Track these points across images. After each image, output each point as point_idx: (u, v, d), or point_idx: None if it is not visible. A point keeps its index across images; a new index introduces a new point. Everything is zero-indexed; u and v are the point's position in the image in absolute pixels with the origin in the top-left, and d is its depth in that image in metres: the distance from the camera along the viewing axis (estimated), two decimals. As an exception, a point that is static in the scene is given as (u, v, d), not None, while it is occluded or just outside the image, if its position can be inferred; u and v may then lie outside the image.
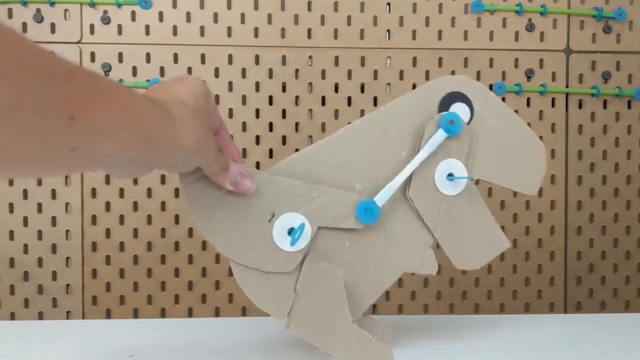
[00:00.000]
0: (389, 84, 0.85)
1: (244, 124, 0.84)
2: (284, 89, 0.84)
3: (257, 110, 0.84)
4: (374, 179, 0.46)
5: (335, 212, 0.45)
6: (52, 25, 0.82)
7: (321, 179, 0.45)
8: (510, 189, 0.48)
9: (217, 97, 0.83)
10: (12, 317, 0.83)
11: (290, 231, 0.44)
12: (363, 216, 0.44)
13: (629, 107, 0.87)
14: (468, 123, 0.46)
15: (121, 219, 0.83)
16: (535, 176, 0.48)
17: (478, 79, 0.85)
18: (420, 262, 0.47)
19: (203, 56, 0.83)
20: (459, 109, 0.46)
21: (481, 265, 0.48)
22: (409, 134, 0.46)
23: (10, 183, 0.82)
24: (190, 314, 0.84)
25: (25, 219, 0.82)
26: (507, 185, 0.47)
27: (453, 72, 0.85)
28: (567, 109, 0.87)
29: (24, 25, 0.81)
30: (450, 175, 0.46)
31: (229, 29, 0.83)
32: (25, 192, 0.82)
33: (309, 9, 0.84)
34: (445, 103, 0.47)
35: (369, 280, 0.46)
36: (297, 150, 0.84)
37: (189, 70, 0.83)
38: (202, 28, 0.83)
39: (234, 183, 0.42)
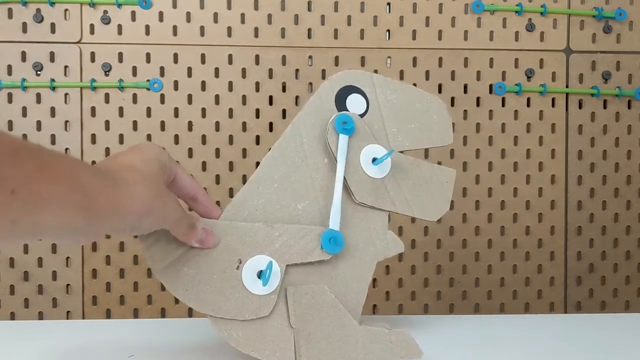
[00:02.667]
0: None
1: (244, 124, 0.84)
2: (284, 89, 0.84)
3: (257, 110, 0.84)
4: (312, 194, 0.47)
5: (299, 247, 0.45)
6: (52, 25, 0.82)
7: (269, 214, 0.46)
8: (429, 147, 0.50)
9: (217, 97, 0.83)
10: (12, 317, 0.83)
11: (260, 274, 0.44)
12: (328, 246, 0.45)
13: (629, 107, 0.87)
14: (367, 108, 0.49)
15: (121, 219, 0.83)
16: (445, 127, 0.50)
17: (478, 79, 0.85)
18: (385, 246, 0.48)
19: (203, 56, 0.83)
20: (355, 100, 0.49)
21: (449, 204, 0.50)
22: (320, 141, 0.48)
23: (10, 183, 0.82)
24: (190, 314, 0.84)
25: (25, 219, 0.82)
26: (426, 145, 0.50)
27: (453, 72, 0.85)
28: (567, 109, 0.87)
29: (24, 25, 0.81)
30: (374, 160, 0.47)
31: (229, 29, 0.83)
32: (25, 192, 0.82)
33: (309, 9, 0.84)
34: (341, 99, 0.48)
35: (350, 285, 0.47)
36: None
37: (189, 70, 0.83)
38: (202, 28, 0.83)
39: (199, 241, 0.42)
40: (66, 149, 0.82)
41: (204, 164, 0.83)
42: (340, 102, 0.48)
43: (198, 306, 0.43)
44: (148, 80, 0.83)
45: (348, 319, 0.45)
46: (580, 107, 0.87)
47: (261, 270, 0.44)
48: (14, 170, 0.28)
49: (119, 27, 0.82)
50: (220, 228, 0.44)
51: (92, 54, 0.82)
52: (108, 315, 0.83)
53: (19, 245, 0.82)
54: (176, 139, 0.83)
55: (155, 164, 0.39)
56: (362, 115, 0.48)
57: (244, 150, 0.84)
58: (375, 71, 0.84)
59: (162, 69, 0.83)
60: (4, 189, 0.27)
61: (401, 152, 0.49)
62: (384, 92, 0.49)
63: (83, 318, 0.83)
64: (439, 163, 0.52)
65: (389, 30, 0.85)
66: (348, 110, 0.48)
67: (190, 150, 0.83)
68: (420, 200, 0.49)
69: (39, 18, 0.81)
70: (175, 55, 0.83)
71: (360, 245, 0.48)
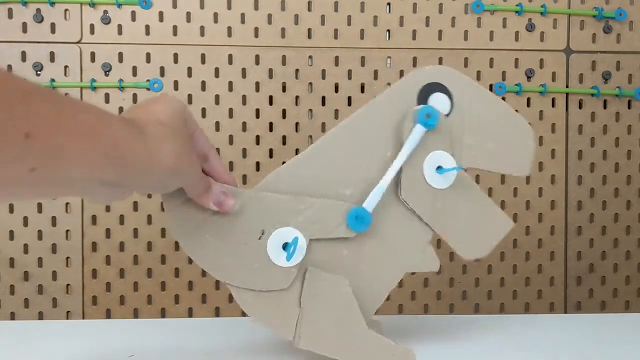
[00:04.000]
0: (389, 84, 0.85)
1: (244, 124, 0.84)
2: (284, 89, 0.84)
3: (257, 110, 0.84)
4: (362, 183, 0.45)
5: (325, 222, 0.44)
6: (52, 25, 0.82)
7: (308, 191, 0.44)
8: (502, 173, 0.47)
9: (217, 97, 0.83)
10: (12, 317, 0.83)
11: (285, 246, 0.43)
12: (354, 224, 0.44)
13: (629, 107, 0.87)
14: (449, 112, 0.45)
15: (121, 219, 0.83)
16: (525, 157, 0.47)
17: (478, 79, 0.85)
18: (420, 260, 0.46)
19: (203, 56, 0.83)
20: (438, 100, 0.45)
21: (489, 251, 0.47)
22: (391, 132, 0.45)
23: (10, 183, 0.82)
24: (190, 314, 0.84)
25: (25, 219, 0.82)
26: (499, 170, 0.46)
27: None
28: (567, 109, 0.87)
29: (24, 25, 0.81)
30: (439, 168, 0.45)
31: (229, 29, 0.83)
32: (25, 192, 0.82)
33: (309, 9, 0.84)
34: (424, 95, 0.45)
35: (372, 285, 0.45)
36: (297, 150, 0.84)
37: (189, 70, 0.83)
38: (202, 28, 0.83)
39: (217, 202, 0.41)
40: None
41: (204, 164, 0.83)
42: (423, 97, 0.45)
43: (217, 274, 0.43)
44: (148, 80, 0.83)
45: (359, 319, 0.44)
46: (580, 107, 0.87)
47: (286, 243, 0.43)
48: (27, 111, 0.26)
49: (119, 27, 0.82)
50: (244, 197, 0.43)
51: (92, 54, 0.82)
52: (108, 315, 0.83)
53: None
54: (176, 139, 0.83)
55: (181, 119, 0.38)
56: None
57: (244, 150, 0.84)
58: (376, 71, 0.84)
59: (162, 69, 0.83)
60: (17, 129, 0.26)
61: (467, 169, 0.46)
62: (472, 99, 0.46)
63: (83, 318, 0.83)
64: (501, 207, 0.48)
65: (389, 30, 0.85)
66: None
67: (190, 150, 0.83)
68: (460, 231, 0.46)
69: (39, 18, 0.81)
70: (175, 55, 0.83)
71: (395, 250, 0.46)
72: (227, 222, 0.43)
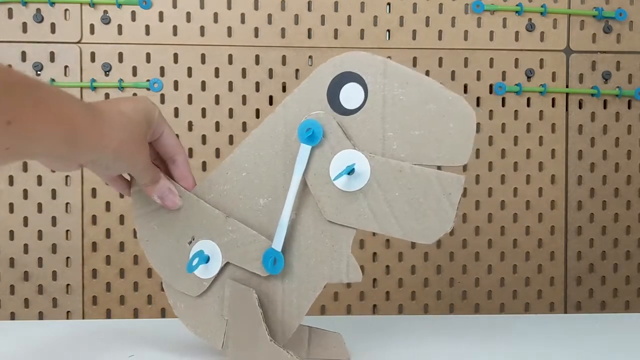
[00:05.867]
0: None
1: (244, 124, 0.84)
2: (284, 89, 0.84)
3: (257, 111, 0.84)
4: (275, 191, 0.44)
5: (244, 251, 0.44)
6: (52, 25, 0.82)
7: (231, 201, 0.45)
8: (435, 164, 0.40)
9: (217, 97, 0.83)
10: (12, 317, 0.83)
11: (207, 258, 0.45)
12: (267, 264, 0.43)
13: (629, 107, 0.87)
14: (364, 102, 0.40)
15: (121, 219, 0.83)
16: (461, 143, 0.39)
17: (478, 79, 0.85)
18: (343, 270, 0.43)
19: (203, 56, 0.83)
20: (350, 90, 0.41)
21: (448, 225, 0.40)
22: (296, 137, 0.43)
23: (11, 183, 0.82)
24: (190, 314, 0.84)
25: (25, 219, 0.82)
26: (430, 160, 0.40)
27: (453, 72, 0.85)
28: (567, 109, 0.87)
29: (24, 25, 0.81)
30: (349, 168, 0.40)
31: (229, 29, 0.83)
32: (25, 192, 0.82)
33: (309, 9, 0.84)
34: (336, 87, 0.41)
35: (293, 297, 0.44)
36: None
37: (189, 70, 0.83)
38: (202, 28, 0.83)
39: (160, 196, 0.45)
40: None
41: (204, 164, 0.83)
42: (334, 91, 0.41)
43: (150, 259, 0.47)
44: (148, 80, 0.83)
45: (261, 332, 0.43)
46: (580, 107, 0.87)
47: (200, 253, 0.45)
48: (11, 103, 0.31)
49: (119, 27, 0.82)
50: (189, 200, 0.45)
51: (92, 54, 0.82)
52: (108, 315, 0.83)
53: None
54: (176, 139, 0.83)
55: (142, 114, 0.41)
56: (356, 111, 0.41)
57: (244, 150, 0.84)
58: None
59: (162, 69, 0.83)
60: (1, 119, 0.30)
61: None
62: (392, 84, 0.40)
63: (83, 318, 0.83)
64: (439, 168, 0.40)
65: (389, 30, 0.85)
66: (340, 103, 0.41)
67: (190, 150, 0.83)
68: (406, 218, 0.40)
69: (39, 18, 0.81)
70: (175, 55, 0.83)
71: (313, 260, 0.43)
72: (170, 219, 0.46)
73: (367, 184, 0.41)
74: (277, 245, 0.43)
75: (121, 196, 0.83)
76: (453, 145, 0.39)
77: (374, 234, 0.82)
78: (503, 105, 0.86)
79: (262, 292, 0.45)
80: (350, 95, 0.41)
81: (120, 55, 0.83)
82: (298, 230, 0.44)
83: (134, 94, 0.83)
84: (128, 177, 0.46)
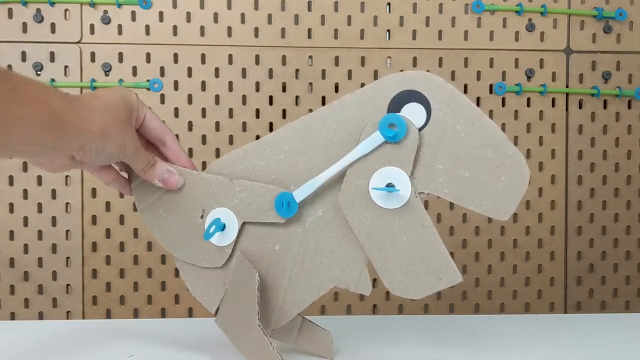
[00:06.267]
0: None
1: (244, 124, 0.84)
2: (284, 89, 0.84)
3: (257, 110, 0.84)
4: (302, 178, 0.43)
5: (256, 205, 0.44)
6: (52, 25, 0.82)
7: (263, 179, 0.44)
8: (474, 210, 0.39)
9: (217, 97, 0.83)
10: (12, 317, 0.83)
11: (223, 227, 0.45)
12: (280, 209, 0.43)
13: (629, 107, 0.87)
14: (423, 126, 0.40)
15: (121, 219, 0.83)
16: (509, 197, 0.39)
17: (478, 79, 0.85)
18: (354, 279, 0.43)
19: (203, 56, 0.83)
20: (413, 110, 0.40)
21: (421, 296, 0.41)
22: (351, 135, 0.41)
23: (11, 183, 0.82)
24: (190, 314, 0.84)
25: (25, 219, 0.82)
26: (471, 206, 0.39)
27: (453, 72, 0.85)
28: (567, 109, 0.87)
29: (24, 25, 0.81)
30: (389, 185, 0.40)
31: (229, 29, 0.83)
32: (25, 192, 0.82)
33: (309, 9, 0.84)
34: (398, 102, 0.40)
35: (298, 288, 0.45)
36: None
37: (189, 70, 0.83)
38: (202, 28, 0.83)
39: (161, 179, 0.45)
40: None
41: (204, 164, 0.83)
42: (396, 105, 0.40)
43: (166, 246, 0.47)
44: (148, 80, 0.83)
45: (253, 315, 0.42)
46: (580, 107, 0.87)
47: (216, 221, 0.45)
48: None
49: (119, 27, 0.82)
50: (189, 176, 0.46)
51: (92, 54, 0.82)
52: (108, 315, 0.83)
53: None
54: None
55: (120, 98, 0.42)
56: None
57: (244, 150, 0.84)
58: (376, 71, 0.84)
59: (162, 69, 0.83)
60: None
61: (424, 194, 0.40)
62: (457, 117, 0.39)
63: (83, 318, 0.83)
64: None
65: (389, 30, 0.85)
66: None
67: (190, 150, 0.83)
68: (393, 264, 0.41)
69: (39, 18, 0.81)
70: (175, 55, 0.83)
71: (327, 260, 0.43)
72: (176, 200, 0.46)
73: (389, 210, 0.40)
74: (299, 196, 0.42)
75: (121, 196, 0.83)
76: (499, 199, 0.39)
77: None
78: (503, 105, 0.86)
79: (273, 265, 0.45)
80: (412, 114, 0.40)
81: (120, 55, 0.83)
82: (321, 227, 0.44)
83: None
84: (126, 177, 0.47)
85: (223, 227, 0.45)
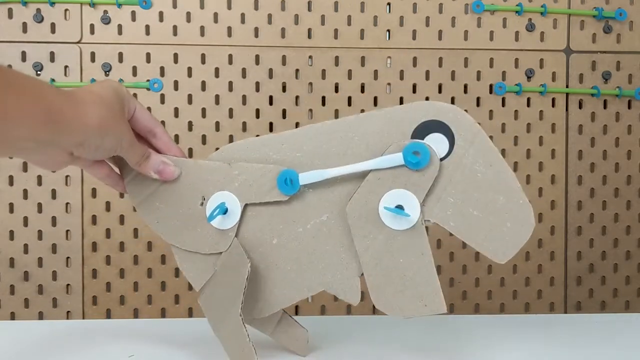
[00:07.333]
0: (389, 84, 0.85)
1: (244, 124, 0.84)
2: (284, 89, 0.84)
3: (257, 110, 0.84)
4: (321, 186, 0.44)
5: (257, 186, 0.45)
6: (52, 25, 0.82)
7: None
8: (474, 247, 0.41)
9: (217, 97, 0.83)
10: (12, 317, 0.83)
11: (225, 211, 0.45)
12: (283, 186, 0.43)
13: (629, 107, 0.87)
14: (443, 158, 0.41)
15: (121, 219, 0.83)
16: (510, 242, 0.41)
17: (478, 79, 0.85)
18: (344, 288, 0.44)
19: (203, 56, 0.83)
20: (436, 141, 0.41)
21: (403, 316, 0.43)
22: (369, 150, 0.42)
23: (11, 183, 0.82)
24: (190, 314, 0.84)
25: (25, 219, 0.82)
26: (472, 243, 0.41)
27: (453, 72, 0.85)
28: (567, 109, 0.87)
29: (24, 25, 0.81)
30: (398, 207, 0.41)
31: (229, 29, 0.83)
32: (25, 192, 0.82)
33: (309, 9, 0.84)
34: (423, 129, 0.42)
35: (287, 284, 0.45)
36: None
37: (189, 70, 0.83)
38: (202, 28, 0.83)
39: (157, 171, 0.45)
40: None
41: (204, 164, 0.83)
42: (421, 131, 0.41)
43: (167, 237, 0.46)
44: (148, 80, 0.83)
45: (237, 303, 0.43)
46: (580, 107, 0.87)
47: (220, 204, 0.45)
48: None
49: (119, 27, 0.82)
50: (184, 165, 0.46)
51: (92, 54, 0.82)
52: (108, 315, 0.83)
53: None
54: (176, 139, 0.83)
55: (111, 91, 0.41)
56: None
57: (244, 150, 0.84)
58: (376, 71, 0.84)
59: (162, 69, 0.83)
60: None
61: (429, 222, 0.42)
62: (477, 157, 0.41)
63: (83, 318, 0.83)
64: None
65: (389, 30, 0.85)
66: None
67: (190, 150, 0.83)
68: (386, 282, 0.43)
69: (39, 18, 0.81)
70: (175, 55, 0.83)
71: (322, 265, 0.44)
72: (173, 191, 0.46)
73: (393, 230, 0.42)
74: (306, 178, 0.43)
75: (121, 196, 0.83)
76: (501, 243, 0.41)
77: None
78: (503, 105, 0.86)
79: (268, 257, 0.45)
80: (434, 144, 0.41)
81: (120, 55, 0.83)
82: (323, 232, 0.44)
83: (134, 94, 0.83)
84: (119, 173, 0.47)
85: (225, 211, 0.45)
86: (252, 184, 0.45)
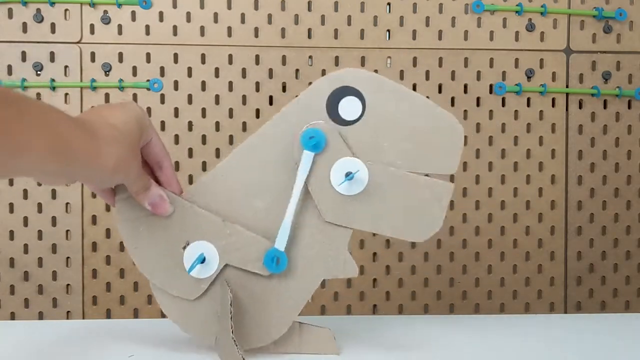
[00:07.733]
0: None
1: (244, 124, 0.84)
2: (284, 89, 0.84)
3: (257, 110, 0.84)
4: (273, 194, 0.46)
5: (244, 253, 0.45)
6: (52, 25, 0.82)
7: (229, 204, 0.46)
8: (428, 172, 0.45)
9: (217, 97, 0.83)
10: (12, 317, 0.83)
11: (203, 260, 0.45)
12: (269, 264, 0.45)
13: (629, 107, 0.87)
14: (361, 115, 0.44)
15: (121, 219, 0.83)
16: (450, 154, 0.44)
17: (478, 79, 0.85)
18: (340, 266, 0.46)
19: (203, 56, 0.83)
20: (349, 103, 0.44)
21: (437, 226, 0.45)
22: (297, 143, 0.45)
23: (10, 183, 0.82)
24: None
25: (25, 219, 0.82)
26: (423, 169, 0.44)
27: (453, 72, 0.85)
28: (567, 109, 0.87)
29: (24, 25, 0.81)
30: (348, 174, 0.44)
31: (229, 29, 0.83)
32: (25, 192, 0.82)
33: (309, 9, 0.84)
34: (334, 101, 0.44)
35: (291, 294, 0.46)
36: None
37: (189, 70, 0.83)
38: (202, 28, 0.83)
39: (152, 203, 0.44)
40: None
41: (204, 164, 0.83)
42: (333, 103, 0.44)
43: (140, 266, 0.47)
44: (148, 80, 0.83)
45: (227, 326, 0.43)
46: (580, 107, 0.87)
47: (200, 255, 0.45)
48: None
49: (119, 27, 0.82)
50: (180, 205, 0.46)
51: (92, 54, 0.82)
52: (108, 315, 0.83)
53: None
54: (176, 139, 0.83)
55: (135, 125, 0.41)
56: (354, 122, 0.44)
57: (244, 150, 0.84)
58: (376, 70, 0.84)
59: (162, 69, 0.83)
60: None
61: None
62: (387, 100, 0.44)
63: (83, 318, 0.83)
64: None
65: (389, 30, 0.85)
66: (339, 114, 0.44)
67: (190, 150, 0.83)
68: (400, 219, 0.45)
69: (39, 18, 0.81)
70: (175, 55, 0.83)
71: (310, 260, 0.46)
72: (161, 224, 0.46)
73: (365, 189, 0.44)
74: (280, 245, 0.44)
75: (121, 196, 0.83)
76: (442, 157, 0.44)
77: (374, 234, 0.82)
78: (503, 105, 0.86)
79: (257, 292, 0.46)
80: (349, 107, 0.44)
81: (120, 55, 0.83)
82: (297, 230, 0.45)
83: (134, 94, 0.83)
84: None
85: (203, 260, 0.45)
86: (239, 248, 0.45)
